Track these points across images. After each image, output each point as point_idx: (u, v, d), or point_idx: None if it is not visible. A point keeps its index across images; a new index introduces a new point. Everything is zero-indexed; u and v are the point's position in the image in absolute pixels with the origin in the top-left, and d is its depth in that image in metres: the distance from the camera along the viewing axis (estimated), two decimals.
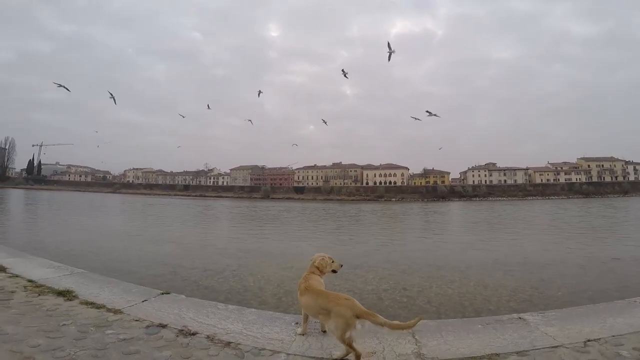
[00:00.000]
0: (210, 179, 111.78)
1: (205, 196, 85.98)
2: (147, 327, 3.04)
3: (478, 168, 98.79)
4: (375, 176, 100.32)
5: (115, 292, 3.98)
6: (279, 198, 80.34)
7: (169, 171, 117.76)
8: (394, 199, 78.32)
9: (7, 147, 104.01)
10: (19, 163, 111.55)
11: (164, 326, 3.06)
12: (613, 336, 2.85)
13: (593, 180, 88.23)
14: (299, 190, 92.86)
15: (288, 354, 2.64)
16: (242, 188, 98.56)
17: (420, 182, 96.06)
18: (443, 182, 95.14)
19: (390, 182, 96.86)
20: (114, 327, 3.01)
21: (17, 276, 4.46)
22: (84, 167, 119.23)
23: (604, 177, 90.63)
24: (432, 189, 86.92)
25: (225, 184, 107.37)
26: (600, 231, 18.38)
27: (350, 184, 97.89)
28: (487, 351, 2.64)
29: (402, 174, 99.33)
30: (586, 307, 3.68)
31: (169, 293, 4.05)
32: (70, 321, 3.07)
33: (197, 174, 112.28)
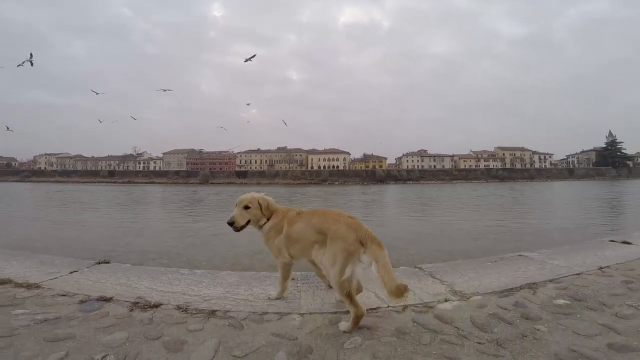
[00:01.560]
0: (139, 163, 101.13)
1: (134, 182, 77.74)
2: (82, 302, 2.15)
3: (412, 154, 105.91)
4: (319, 160, 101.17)
5: (28, 266, 2.87)
6: (219, 183, 76.20)
7: (90, 156, 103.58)
8: (336, 183, 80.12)
9: None
10: None
11: (107, 299, 2.16)
12: (618, 263, 2.96)
13: (507, 167, 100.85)
14: (242, 174, 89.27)
15: (302, 314, 1.99)
16: (177, 173, 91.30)
17: (361, 167, 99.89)
18: (381, 166, 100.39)
19: (333, 167, 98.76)
20: (27, 305, 2.11)
21: None
22: None
23: (515, 165, 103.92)
24: (372, 173, 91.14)
25: (157, 168, 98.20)
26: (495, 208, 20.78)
27: (296, 168, 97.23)
28: (520, 282, 2.51)
29: (344, 159, 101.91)
30: (567, 247, 3.79)
31: (108, 262, 3.03)
32: None
33: (124, 158, 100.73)
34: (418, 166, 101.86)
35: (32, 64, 31.22)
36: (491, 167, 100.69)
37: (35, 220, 13.99)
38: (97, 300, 2.16)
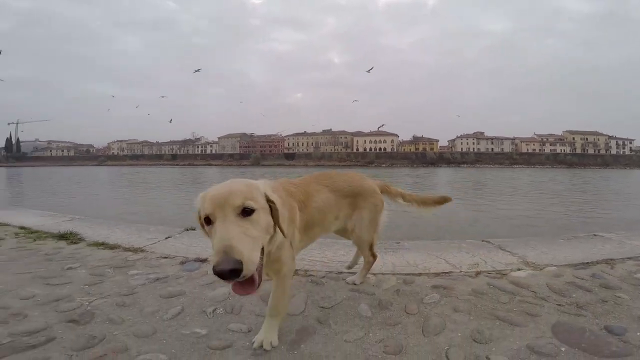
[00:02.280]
0: (198, 147, 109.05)
1: (194, 164, 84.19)
2: (182, 262, 2.46)
3: (466, 136, 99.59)
4: (365, 142, 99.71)
5: (129, 232, 3.38)
6: (269, 164, 79.38)
7: (155, 141, 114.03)
8: (383, 165, 78.63)
9: None
10: None
11: (202, 260, 2.49)
12: None
13: (577, 152, 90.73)
14: (290, 156, 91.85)
15: (375, 274, 2.15)
16: (231, 156, 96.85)
17: (410, 149, 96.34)
18: (432, 149, 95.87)
19: (380, 149, 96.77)
20: (139, 266, 2.40)
21: (6, 225, 3.79)
22: (66, 142, 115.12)
23: (587, 150, 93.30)
24: (422, 156, 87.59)
25: (213, 152, 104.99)
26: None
27: (341, 150, 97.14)
28: (597, 258, 2.43)
29: (392, 141, 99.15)
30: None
31: (194, 229, 3.45)
32: (78, 264, 2.42)
33: (185, 143, 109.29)
34: (474, 149, 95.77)
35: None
36: (558, 151, 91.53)
37: (116, 197, 16.00)
38: (195, 261, 2.47)
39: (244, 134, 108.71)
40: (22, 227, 3.62)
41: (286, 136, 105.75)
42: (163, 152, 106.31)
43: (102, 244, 2.94)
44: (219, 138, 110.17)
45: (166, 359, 1.32)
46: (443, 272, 2.19)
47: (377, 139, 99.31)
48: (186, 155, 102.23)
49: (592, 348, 1.35)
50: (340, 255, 2.53)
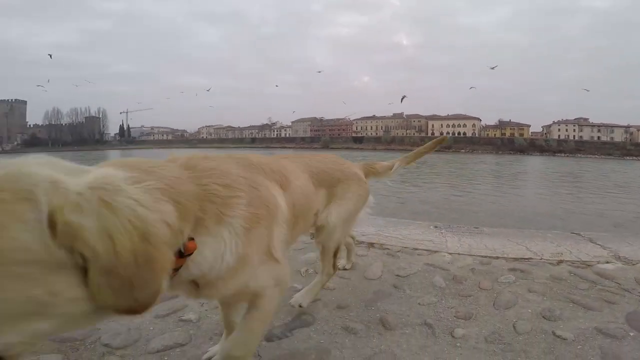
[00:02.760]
0: (274, 131, 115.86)
1: (270, 147, 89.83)
2: None
3: (566, 122, 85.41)
4: (442, 127, 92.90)
5: None
6: (337, 148, 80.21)
7: (237, 126, 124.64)
8: (462, 150, 72.60)
9: (100, 116, 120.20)
10: (111, 129, 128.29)
11: None
12: None
13: None
14: (358, 140, 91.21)
15: (451, 253, 2.32)
16: (303, 139, 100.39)
17: (495, 134, 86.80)
18: (521, 135, 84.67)
19: (459, 133, 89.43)
20: None
21: None
22: (165, 127, 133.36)
23: None
24: (509, 142, 77.88)
25: (287, 135, 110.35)
26: None
27: (414, 134, 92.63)
28: None
29: (474, 125, 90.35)
30: None
31: None
32: None
33: (262, 127, 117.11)
34: (574, 136, 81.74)
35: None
36: None
37: None
38: None
39: (314, 118, 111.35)
40: None
41: (354, 120, 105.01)
42: (244, 136, 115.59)
43: None
44: (292, 122, 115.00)
45: None
46: (522, 258, 2.24)
47: (456, 122, 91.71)
48: (264, 139, 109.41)
49: None
50: (416, 234, 2.74)
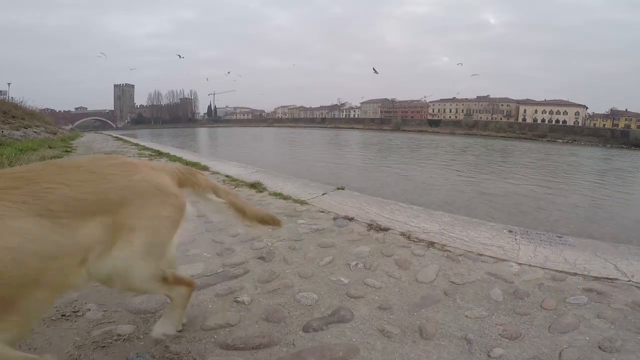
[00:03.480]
0: (343, 112, 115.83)
1: (339, 127, 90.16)
2: (334, 218, 2.95)
3: None
4: (536, 112, 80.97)
5: (296, 186, 4.22)
6: (410, 130, 76.26)
7: (309, 107, 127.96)
8: (560, 140, 62.35)
9: (192, 97, 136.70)
10: (200, 109, 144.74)
11: (350, 219, 2.94)
12: None
13: None
14: (434, 123, 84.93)
15: (520, 264, 2.07)
16: (372, 120, 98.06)
17: (604, 124, 72.34)
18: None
19: (557, 121, 76.91)
20: (304, 217, 2.97)
21: (217, 173, 5.32)
22: (246, 107, 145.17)
23: None
24: (622, 134, 63.87)
25: (356, 116, 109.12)
26: None
27: (501, 119, 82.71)
28: None
29: (577, 113, 76.74)
30: None
31: (343, 189, 4.02)
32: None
33: (332, 108, 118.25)
34: None
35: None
36: None
37: (280, 153, 19.32)
38: (344, 218, 2.94)
39: (385, 99, 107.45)
40: (227, 176, 4.99)
41: (431, 102, 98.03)
42: (315, 116, 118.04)
43: (279, 194, 3.77)
44: (361, 103, 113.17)
45: (316, 298, 1.67)
46: (606, 278, 1.91)
47: (554, 109, 78.94)
48: (333, 119, 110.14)
49: None
50: (485, 237, 2.50)
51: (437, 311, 1.60)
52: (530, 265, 2.07)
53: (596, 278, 1.91)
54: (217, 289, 1.76)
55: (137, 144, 12.17)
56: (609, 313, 1.57)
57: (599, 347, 1.34)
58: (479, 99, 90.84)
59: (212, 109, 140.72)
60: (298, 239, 2.46)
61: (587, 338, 1.40)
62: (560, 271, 2.00)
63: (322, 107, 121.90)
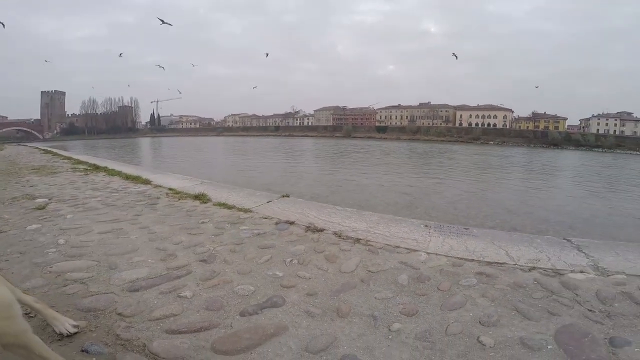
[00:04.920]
0: (297, 120, 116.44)
1: (293, 135, 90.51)
2: (277, 223, 3.16)
3: (606, 116, 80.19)
4: (470, 117, 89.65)
5: (241, 196, 4.35)
6: (360, 137, 79.48)
7: (261, 115, 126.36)
8: (491, 142, 69.58)
9: (132, 105, 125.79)
10: (142, 117, 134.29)
11: (291, 223, 3.17)
12: None
13: None
14: (381, 129, 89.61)
15: (428, 253, 2.44)
16: (325, 128, 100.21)
17: (527, 126, 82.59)
18: (556, 128, 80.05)
19: (489, 124, 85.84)
20: (247, 223, 3.16)
21: (160, 186, 5.21)
22: (193, 116, 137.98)
23: None
24: (542, 135, 73.45)
25: (310, 124, 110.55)
26: None
27: (440, 124, 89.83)
28: None
29: (505, 117, 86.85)
30: None
31: (288, 196, 4.25)
32: (207, 219, 3.29)
33: (286, 116, 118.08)
34: (616, 131, 76.18)
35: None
36: None
37: (233, 164, 18.99)
38: (285, 222, 3.16)
39: (337, 107, 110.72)
40: (170, 189, 4.91)
41: (378, 109, 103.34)
42: (268, 124, 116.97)
43: (224, 204, 3.88)
44: (314, 111, 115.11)
45: (253, 290, 1.91)
46: (496, 262, 2.29)
47: (486, 113, 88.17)
48: (287, 127, 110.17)
49: (577, 352, 1.40)
50: (404, 232, 2.88)
51: (353, 295, 1.87)
52: (437, 254, 2.41)
53: (488, 263, 2.30)
54: (161, 288, 1.94)
55: (69, 157, 11.20)
56: (492, 292, 1.86)
57: (479, 322, 1.60)
58: (421, 105, 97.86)
59: (156, 117, 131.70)
60: (239, 242, 2.66)
61: (471, 314, 1.66)
62: (461, 258, 2.35)
63: (275, 115, 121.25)
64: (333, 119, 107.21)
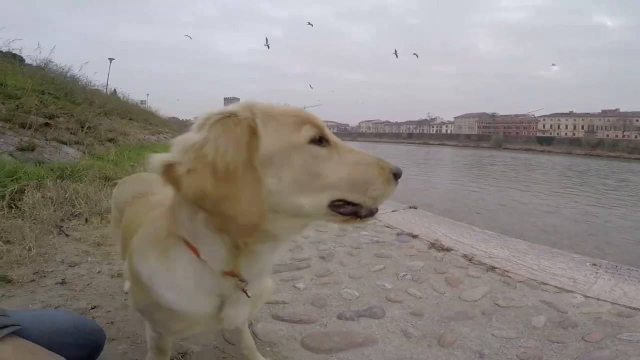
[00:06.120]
0: (433, 127, 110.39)
1: (428, 143, 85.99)
2: (398, 234, 3.09)
3: None
4: None
5: None
6: (514, 148, 67.56)
7: (394, 121, 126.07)
8: None
9: None
10: None
11: (414, 236, 3.05)
12: None
13: None
14: (545, 140, 73.46)
15: (587, 297, 1.94)
16: (467, 137, 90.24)
17: None
18: None
19: None
20: (368, 229, 3.14)
21: None
22: (331, 121, 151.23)
23: None
24: None
25: (449, 132, 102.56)
26: None
27: (636, 137, 66.92)
28: None
29: None
30: None
31: (416, 208, 4.11)
32: None
33: (420, 123, 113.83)
34: None
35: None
36: None
37: None
38: (408, 234, 3.06)
39: (484, 114, 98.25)
40: None
41: (540, 117, 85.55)
42: (401, 130, 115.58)
43: None
44: (454, 118, 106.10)
45: (357, 295, 1.93)
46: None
47: None
48: (421, 134, 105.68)
49: None
50: (559, 268, 2.35)
51: (466, 326, 1.65)
52: (598, 299, 1.93)
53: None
54: (283, 275, 2.15)
55: None
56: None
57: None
58: (604, 113, 75.54)
59: None
60: (357, 247, 2.72)
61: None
62: (635, 308, 1.82)
63: (409, 122, 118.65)
64: (478, 127, 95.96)
